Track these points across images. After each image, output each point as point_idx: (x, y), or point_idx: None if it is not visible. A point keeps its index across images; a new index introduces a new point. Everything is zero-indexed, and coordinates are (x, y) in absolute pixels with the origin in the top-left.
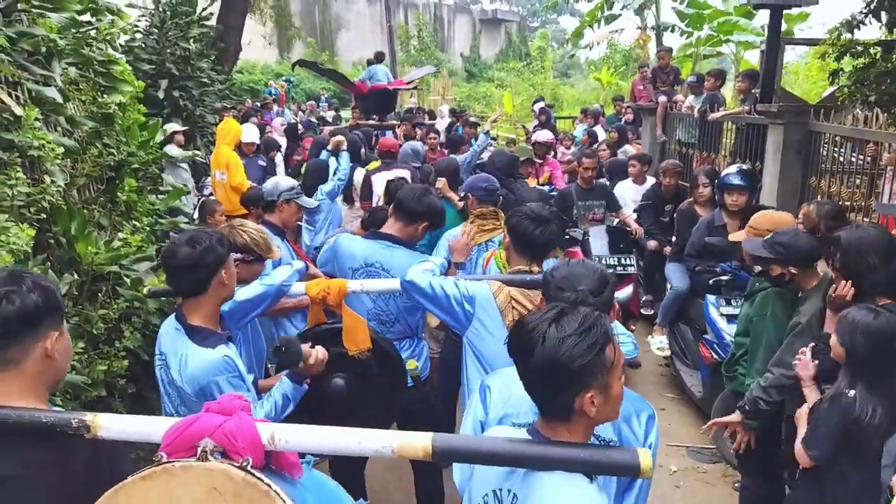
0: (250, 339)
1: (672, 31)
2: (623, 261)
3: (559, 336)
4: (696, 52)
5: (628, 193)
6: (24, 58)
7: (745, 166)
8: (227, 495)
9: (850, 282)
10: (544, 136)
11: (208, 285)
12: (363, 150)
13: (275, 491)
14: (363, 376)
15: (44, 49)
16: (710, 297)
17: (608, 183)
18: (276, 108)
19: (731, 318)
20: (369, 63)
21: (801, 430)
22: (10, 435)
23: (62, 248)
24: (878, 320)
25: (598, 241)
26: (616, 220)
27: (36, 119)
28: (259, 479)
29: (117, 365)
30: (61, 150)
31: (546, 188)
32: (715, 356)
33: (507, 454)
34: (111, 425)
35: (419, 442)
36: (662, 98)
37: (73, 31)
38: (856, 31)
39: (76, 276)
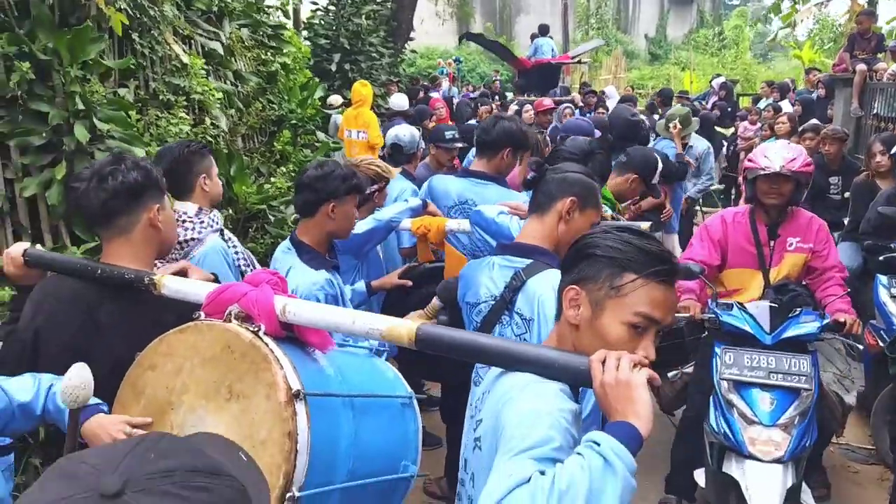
0: (370, 270)
1: None
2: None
3: None
4: None
5: None
6: (198, 15)
7: None
8: (237, 353)
9: None
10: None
11: (316, 210)
12: None
13: (275, 356)
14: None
15: (216, 9)
16: (882, 278)
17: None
18: (445, 84)
19: None
20: (533, 37)
21: None
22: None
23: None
24: None
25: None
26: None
27: (202, 69)
28: (265, 343)
29: None
30: (220, 95)
31: None
32: (881, 344)
33: (485, 349)
34: (170, 285)
35: (405, 328)
36: (861, 66)
37: None
38: None
39: (233, 212)
